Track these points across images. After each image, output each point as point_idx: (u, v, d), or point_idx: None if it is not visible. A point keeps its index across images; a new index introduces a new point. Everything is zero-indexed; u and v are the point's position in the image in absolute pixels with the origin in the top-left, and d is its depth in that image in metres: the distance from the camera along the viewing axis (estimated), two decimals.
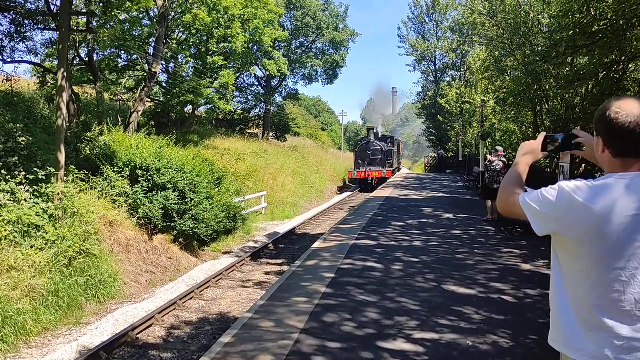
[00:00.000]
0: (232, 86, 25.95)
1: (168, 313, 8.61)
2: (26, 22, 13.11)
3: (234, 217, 15.43)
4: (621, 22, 10.86)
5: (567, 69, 14.69)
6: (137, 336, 7.57)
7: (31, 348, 7.14)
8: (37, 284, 7.82)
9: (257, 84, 40.56)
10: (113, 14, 15.68)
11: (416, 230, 10.71)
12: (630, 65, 13.39)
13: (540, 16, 16.42)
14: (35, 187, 9.03)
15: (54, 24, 13.24)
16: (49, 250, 8.41)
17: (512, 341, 4.60)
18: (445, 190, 20.87)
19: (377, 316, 5.32)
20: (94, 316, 8.57)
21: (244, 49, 25.66)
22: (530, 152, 2.23)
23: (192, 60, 26.01)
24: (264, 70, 35.84)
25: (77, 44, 17.15)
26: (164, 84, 25.72)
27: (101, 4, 14.80)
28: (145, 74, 20.11)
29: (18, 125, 9.92)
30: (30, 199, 8.85)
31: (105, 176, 11.94)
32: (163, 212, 12.42)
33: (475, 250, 8.66)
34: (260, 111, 40.94)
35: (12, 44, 13.31)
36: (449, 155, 42.17)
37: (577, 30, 12.13)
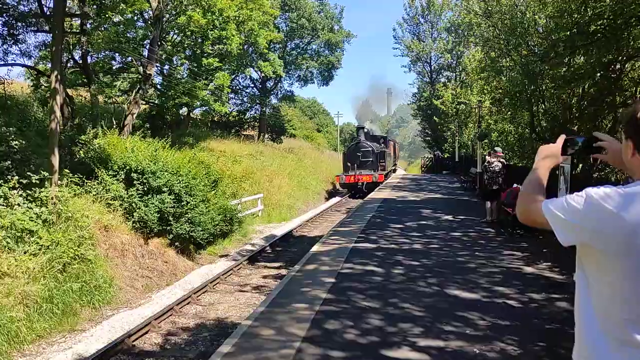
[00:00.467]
0: (227, 88, 25.80)
1: (165, 319, 8.46)
2: (19, 24, 12.93)
3: (230, 220, 15.29)
4: (619, 21, 10.81)
5: (564, 69, 14.63)
6: (133, 343, 7.43)
7: (25, 357, 6.98)
8: (31, 290, 7.66)
9: (252, 85, 40.44)
10: (107, 15, 15.54)
11: (416, 233, 10.61)
12: (627, 65, 13.35)
13: (536, 16, 16.36)
14: (28, 191, 8.88)
15: (47, 26, 13.10)
16: (42, 255, 8.26)
17: (520, 348, 4.49)
18: (442, 191, 20.80)
19: (380, 323, 5.20)
20: (89, 323, 8.41)
21: (239, 51, 25.52)
22: (550, 155, 2.10)
23: (187, 62, 25.81)
24: (259, 72, 35.71)
25: (71, 46, 16.97)
26: (158, 86, 25.51)
27: (95, 6, 14.65)
28: (140, 76, 19.95)
29: (11, 128, 9.77)
30: (24, 203, 8.70)
31: (100, 180, 11.78)
32: (159, 215, 12.27)
33: (477, 253, 8.56)
34: (255, 113, 40.81)
35: (4, 46, 13.17)
36: (445, 156, 42.14)
37: (575, 30, 12.07)
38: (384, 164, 29.99)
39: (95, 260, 9.53)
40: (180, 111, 27.06)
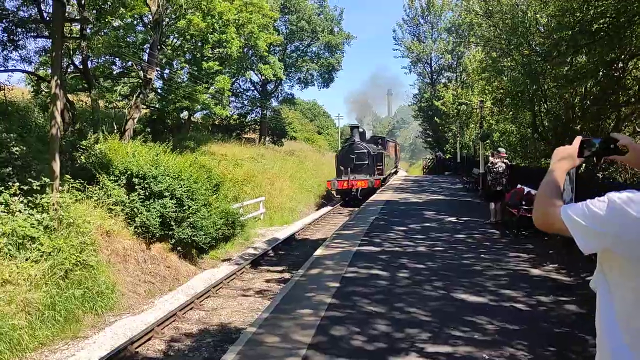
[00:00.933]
0: (227, 91, 25.79)
1: (168, 325, 8.39)
2: (19, 30, 12.90)
3: (232, 223, 15.23)
4: (622, 19, 10.74)
5: (567, 68, 14.55)
6: (136, 350, 7.36)
7: None
8: (33, 297, 7.60)
9: (252, 88, 40.43)
10: (107, 20, 15.51)
11: (419, 235, 10.53)
12: (630, 63, 13.27)
13: (538, 15, 16.29)
14: (29, 197, 8.83)
15: (47, 32, 13.06)
16: (44, 262, 8.20)
17: (530, 353, 4.41)
18: (445, 192, 20.72)
19: (386, 328, 5.12)
20: (91, 329, 8.35)
21: (239, 54, 25.52)
22: (566, 157, 2.02)
23: (187, 65, 25.80)
24: (259, 75, 35.70)
25: (71, 52, 16.95)
26: (159, 90, 25.51)
27: (94, 11, 14.61)
28: (140, 81, 19.92)
29: (12, 135, 9.73)
30: (25, 210, 8.65)
31: (101, 185, 11.73)
32: (160, 220, 12.22)
33: (482, 255, 8.47)
34: (256, 116, 40.80)
35: (4, 52, 13.14)
36: (447, 157, 42.04)
37: (578, 29, 12.00)
38: (381, 167, 27.16)
39: (98, 266, 9.47)
40: (181, 115, 27.05)
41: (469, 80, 35.00)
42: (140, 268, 11.36)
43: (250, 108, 40.17)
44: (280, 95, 42.58)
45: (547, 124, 17.31)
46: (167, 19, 21.74)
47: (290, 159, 32.93)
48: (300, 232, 17.69)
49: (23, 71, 16.12)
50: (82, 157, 12.36)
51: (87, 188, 11.28)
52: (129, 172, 12.35)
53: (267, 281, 11.17)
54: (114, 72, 23.20)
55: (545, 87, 16.15)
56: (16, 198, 8.53)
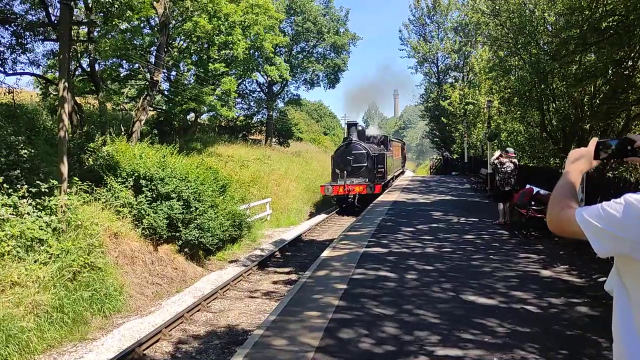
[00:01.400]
0: (234, 93, 25.82)
1: (175, 327, 8.39)
2: (27, 33, 12.95)
3: (239, 225, 15.23)
4: (631, 17, 10.62)
5: (575, 66, 14.43)
6: (144, 352, 7.35)
7: None
8: (42, 299, 7.62)
9: (258, 89, 40.47)
10: (114, 23, 15.56)
11: (427, 236, 10.46)
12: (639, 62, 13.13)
13: (545, 14, 16.17)
14: (38, 200, 8.86)
15: (55, 35, 13.10)
16: (52, 264, 8.22)
17: (542, 357, 4.35)
18: (452, 192, 20.60)
19: (395, 331, 5.07)
20: (99, 331, 8.36)
21: (245, 55, 25.54)
22: (581, 158, 1.97)
23: (193, 67, 25.87)
24: (265, 76, 35.73)
25: (79, 55, 17.03)
26: (166, 92, 25.59)
27: (102, 14, 14.66)
28: (147, 83, 19.99)
29: (20, 137, 9.75)
30: (33, 212, 8.68)
31: (108, 187, 11.76)
32: (168, 221, 12.23)
33: (491, 256, 8.39)
34: (262, 117, 40.82)
35: (13, 55, 13.17)
36: (454, 157, 41.84)
37: (586, 27, 11.90)
38: (382, 170, 23.88)
39: (105, 268, 9.49)
40: (188, 117, 27.12)
41: (476, 80, 34.85)
42: (147, 270, 11.37)
43: (256, 109, 40.22)
44: (286, 96, 42.62)
45: (556, 123, 17.17)
46: (173, 22, 21.81)
47: (296, 160, 32.92)
48: (307, 233, 17.66)
49: (31, 74, 16.20)
50: (89, 159, 12.40)
51: (95, 190, 11.32)
52: (136, 174, 12.37)
53: (274, 283, 11.15)
54: (121, 75, 23.31)
55: (554, 86, 16.04)
56: (25, 200, 8.56)
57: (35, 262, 7.99)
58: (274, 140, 39.58)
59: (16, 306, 7.22)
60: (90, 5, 14.47)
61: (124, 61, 22.52)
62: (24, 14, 14.17)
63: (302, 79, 42.08)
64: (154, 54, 21.27)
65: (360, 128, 25.48)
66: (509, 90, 19.05)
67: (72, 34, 12.34)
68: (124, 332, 8.14)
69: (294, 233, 17.93)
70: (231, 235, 14.71)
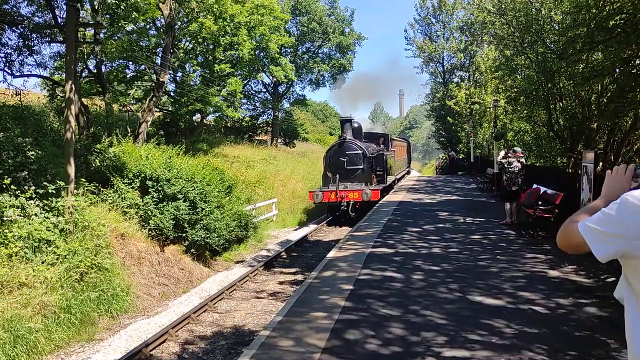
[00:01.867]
0: (239, 93, 25.85)
1: (182, 327, 8.41)
2: (34, 35, 13.03)
3: (245, 225, 15.24)
4: (639, 15, 10.55)
5: (582, 65, 14.36)
6: (151, 353, 7.37)
7: None
8: (49, 300, 7.65)
9: (264, 90, 40.52)
10: (120, 24, 15.63)
11: (434, 236, 10.42)
12: None
13: (552, 13, 16.10)
14: (45, 201, 8.90)
15: (61, 37, 13.17)
16: (60, 265, 8.26)
17: (550, 358, 4.32)
18: (458, 192, 20.52)
19: (401, 332, 5.06)
20: (106, 332, 8.39)
21: (250, 56, 25.58)
22: (618, 188, 1.84)
23: (199, 68, 25.95)
24: (271, 77, 35.78)
25: (85, 56, 17.11)
26: (172, 94, 25.69)
27: (108, 15, 14.72)
28: (153, 84, 20.06)
29: (27, 139, 9.81)
30: (41, 213, 8.72)
31: (115, 188, 11.80)
32: (174, 222, 12.26)
33: (498, 257, 8.35)
34: (268, 118, 40.86)
35: (20, 57, 13.25)
36: (460, 157, 41.71)
37: (593, 26, 11.83)
38: (382, 173, 21.10)
39: (112, 269, 9.52)
40: (194, 118, 27.16)
41: (482, 79, 34.73)
42: (154, 270, 11.40)
43: (262, 110, 40.27)
44: (291, 96, 42.66)
45: (563, 122, 17.08)
46: (179, 23, 21.89)
47: (302, 161, 32.92)
48: (312, 233, 17.65)
49: (38, 76, 16.31)
50: (96, 160, 12.45)
51: (102, 191, 11.37)
52: (142, 175, 12.42)
53: (281, 283, 11.15)
54: (128, 76, 23.40)
55: (561, 85, 15.96)
56: (32, 202, 8.61)
57: (42, 263, 8.03)
58: (279, 140, 39.62)
59: (24, 307, 7.25)
60: (96, 6, 14.54)
61: (130, 62, 22.60)
62: (30, 16, 14.26)
63: (308, 79, 42.12)
64: (159, 55, 21.35)
65: (356, 125, 21.99)
66: (515, 89, 18.97)
67: (79, 35, 12.41)
68: (131, 332, 8.16)
69: (300, 233, 17.93)
70: (237, 236, 14.73)
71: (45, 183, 8.93)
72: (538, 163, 19.33)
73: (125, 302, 9.38)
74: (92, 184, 10.99)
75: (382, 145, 23.98)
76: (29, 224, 8.27)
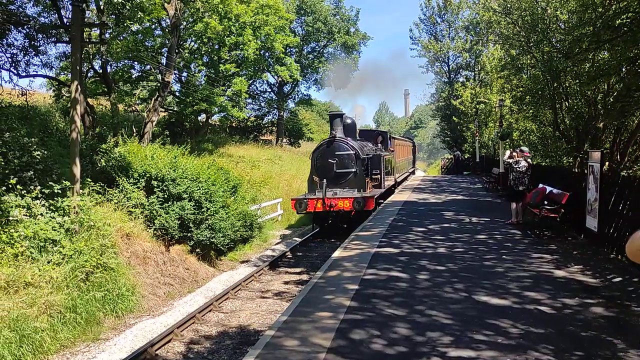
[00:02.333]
0: (244, 93, 25.88)
1: (187, 327, 8.42)
2: (40, 36, 13.08)
3: (250, 225, 15.24)
4: None
5: (588, 64, 14.28)
6: (156, 352, 7.39)
7: None
8: (55, 300, 7.68)
9: (269, 90, 40.55)
10: (125, 25, 15.67)
11: (439, 236, 10.39)
12: None
13: (558, 12, 16.02)
14: (51, 201, 8.94)
15: (67, 37, 13.22)
16: (65, 265, 8.28)
17: (556, 358, 4.29)
18: (464, 192, 20.46)
19: (407, 332, 5.04)
20: (112, 331, 8.41)
21: (255, 56, 25.58)
22: None
23: (204, 68, 26.00)
24: (276, 77, 35.79)
25: (91, 56, 17.18)
26: (177, 94, 25.75)
27: (113, 16, 14.77)
28: (159, 84, 20.12)
29: (33, 139, 9.84)
30: (47, 213, 8.75)
31: (120, 188, 11.84)
32: (179, 222, 12.28)
33: (504, 257, 8.31)
34: (273, 117, 40.91)
35: (26, 58, 13.28)
36: (466, 157, 41.58)
37: (599, 25, 11.76)
38: (379, 176, 18.44)
39: (118, 269, 9.55)
40: (199, 118, 27.21)
41: (488, 79, 34.62)
42: (159, 270, 11.42)
43: (267, 110, 40.32)
44: (296, 96, 42.67)
45: (569, 122, 17.00)
46: (184, 23, 21.93)
47: (307, 160, 32.74)
48: (318, 233, 17.62)
49: (44, 76, 16.37)
50: (102, 160, 12.49)
51: (107, 191, 11.40)
52: (147, 175, 12.45)
53: (286, 283, 11.15)
54: (133, 76, 23.48)
55: (567, 84, 15.88)
56: (38, 201, 8.64)
57: (48, 262, 8.06)
58: (284, 140, 39.64)
59: (30, 306, 7.28)
60: (102, 7, 14.60)
61: (136, 63, 22.69)
62: (36, 16, 14.33)
63: (313, 79, 42.10)
64: (165, 55, 21.38)
65: (349, 121, 19.09)
66: (521, 88, 18.91)
67: (84, 35, 12.45)
68: (137, 332, 8.17)
69: (305, 233, 17.91)
70: (242, 236, 14.73)
71: (51, 183, 8.96)
72: (544, 163, 19.24)
73: (131, 302, 9.40)
74: (97, 184, 11.03)
75: (379, 145, 21.36)
76: (35, 223, 8.30)
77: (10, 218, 7.97)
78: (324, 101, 66.66)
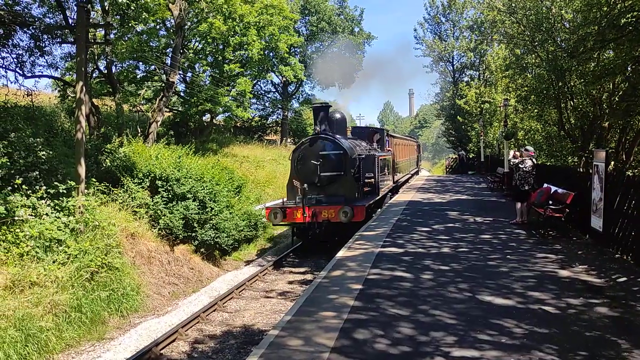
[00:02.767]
0: (249, 93, 25.93)
1: (191, 327, 8.45)
2: (45, 36, 13.15)
3: (254, 225, 15.28)
4: None
5: (594, 64, 14.22)
6: (161, 352, 7.41)
7: None
8: (60, 299, 7.72)
9: (273, 90, 40.59)
10: (130, 25, 15.75)
11: (443, 236, 10.37)
12: None
13: (563, 11, 15.96)
14: (56, 201, 9.00)
15: (72, 38, 13.29)
16: (71, 264, 8.34)
17: (561, 358, 4.27)
18: (468, 192, 20.41)
19: (411, 331, 5.03)
20: (117, 331, 8.45)
21: (260, 56, 25.63)
22: None
23: (209, 68, 26.07)
24: (280, 77, 35.82)
25: (96, 57, 17.26)
26: (182, 94, 25.83)
27: (118, 16, 14.84)
28: (163, 84, 20.18)
29: (38, 139, 9.90)
30: (52, 213, 8.81)
31: (125, 188, 11.89)
32: (184, 222, 12.33)
33: (508, 256, 8.29)
34: (277, 117, 40.93)
35: (32, 58, 13.37)
36: (470, 156, 41.48)
37: (604, 24, 11.71)
38: (373, 180, 15.30)
39: (123, 268, 9.59)
40: (203, 118, 27.28)
41: (492, 78, 34.51)
42: (164, 270, 11.47)
43: (271, 110, 40.36)
44: (301, 96, 42.69)
45: (574, 121, 16.94)
46: (189, 23, 21.99)
47: None
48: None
49: (49, 77, 16.48)
50: (107, 160, 12.55)
51: (112, 191, 11.46)
52: (152, 175, 12.50)
53: (290, 283, 11.16)
54: (138, 76, 23.57)
55: (572, 83, 15.82)
56: (43, 201, 8.69)
57: (53, 262, 8.11)
58: (289, 140, 39.67)
59: (35, 306, 7.33)
60: (106, 7, 14.66)
61: (140, 63, 22.78)
62: (42, 17, 14.41)
63: (317, 78, 42.07)
64: (169, 55, 21.49)
65: (338, 116, 16.22)
66: (525, 88, 18.84)
67: (89, 36, 12.50)
68: (141, 331, 8.21)
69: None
70: (247, 236, 14.77)
71: (56, 183, 9.02)
72: (549, 162, 19.17)
73: (136, 302, 9.45)
74: (102, 184, 11.09)
75: (375, 144, 18.51)
76: (40, 223, 8.36)
77: (16, 218, 8.02)
78: (328, 101, 66.65)
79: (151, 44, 22.67)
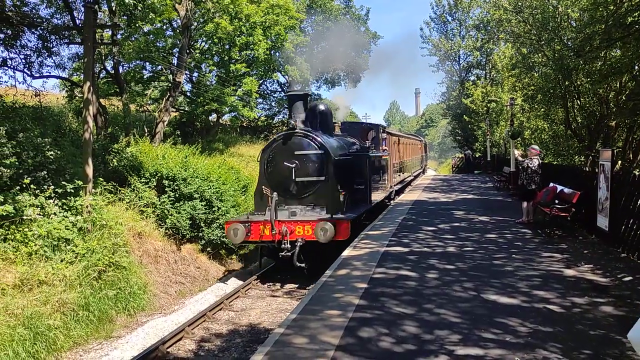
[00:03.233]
0: (255, 93, 25.95)
1: (198, 325, 8.50)
2: (52, 37, 13.26)
3: None
4: None
5: (600, 63, 14.17)
6: (168, 350, 7.47)
7: None
8: (68, 298, 7.80)
9: (280, 90, 40.61)
10: (137, 26, 15.83)
11: (449, 235, 10.37)
12: None
13: (569, 10, 15.91)
14: (64, 200, 9.08)
15: (80, 38, 13.39)
16: (78, 263, 8.42)
17: (565, 356, 4.29)
18: (475, 191, 20.37)
19: (415, 330, 5.06)
20: (124, 329, 8.52)
21: (266, 56, 25.66)
22: None
23: (215, 68, 26.14)
24: (286, 76, 35.84)
25: (103, 57, 17.37)
26: (188, 94, 25.93)
27: (125, 17, 14.93)
28: (170, 84, 20.26)
29: (46, 139, 9.99)
30: (60, 212, 8.89)
31: (132, 187, 11.98)
32: (190, 221, 12.40)
33: (514, 255, 8.29)
34: (283, 117, 40.94)
35: (39, 59, 13.48)
36: (477, 156, 41.36)
37: (611, 23, 11.67)
38: (364, 187, 13.12)
39: (130, 267, 9.67)
40: (210, 117, 27.35)
41: (499, 77, 34.41)
42: (171, 269, 11.55)
43: (277, 109, 40.38)
44: None
45: (581, 120, 16.88)
46: (195, 23, 22.07)
47: None
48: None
49: (57, 77, 16.59)
50: (114, 160, 12.65)
51: (119, 190, 11.54)
52: (159, 175, 12.58)
53: (295, 282, 11.18)
54: (145, 77, 23.67)
55: (578, 82, 15.77)
56: (51, 201, 8.78)
57: (61, 261, 8.19)
58: None
59: (43, 304, 7.41)
60: (113, 8, 14.75)
61: (147, 63, 22.87)
62: (49, 17, 14.52)
63: (323, 78, 42.08)
64: (176, 55, 21.56)
65: (322, 108, 13.07)
66: (532, 87, 18.80)
67: (97, 36, 12.60)
68: (148, 330, 8.27)
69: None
70: None
71: (64, 182, 9.09)
72: (555, 161, 19.10)
73: (143, 300, 9.53)
74: (109, 184, 11.17)
75: (369, 142, 15.68)
76: (48, 222, 8.44)
77: (25, 217, 8.10)
78: (334, 100, 66.66)
79: (158, 44, 22.75)
